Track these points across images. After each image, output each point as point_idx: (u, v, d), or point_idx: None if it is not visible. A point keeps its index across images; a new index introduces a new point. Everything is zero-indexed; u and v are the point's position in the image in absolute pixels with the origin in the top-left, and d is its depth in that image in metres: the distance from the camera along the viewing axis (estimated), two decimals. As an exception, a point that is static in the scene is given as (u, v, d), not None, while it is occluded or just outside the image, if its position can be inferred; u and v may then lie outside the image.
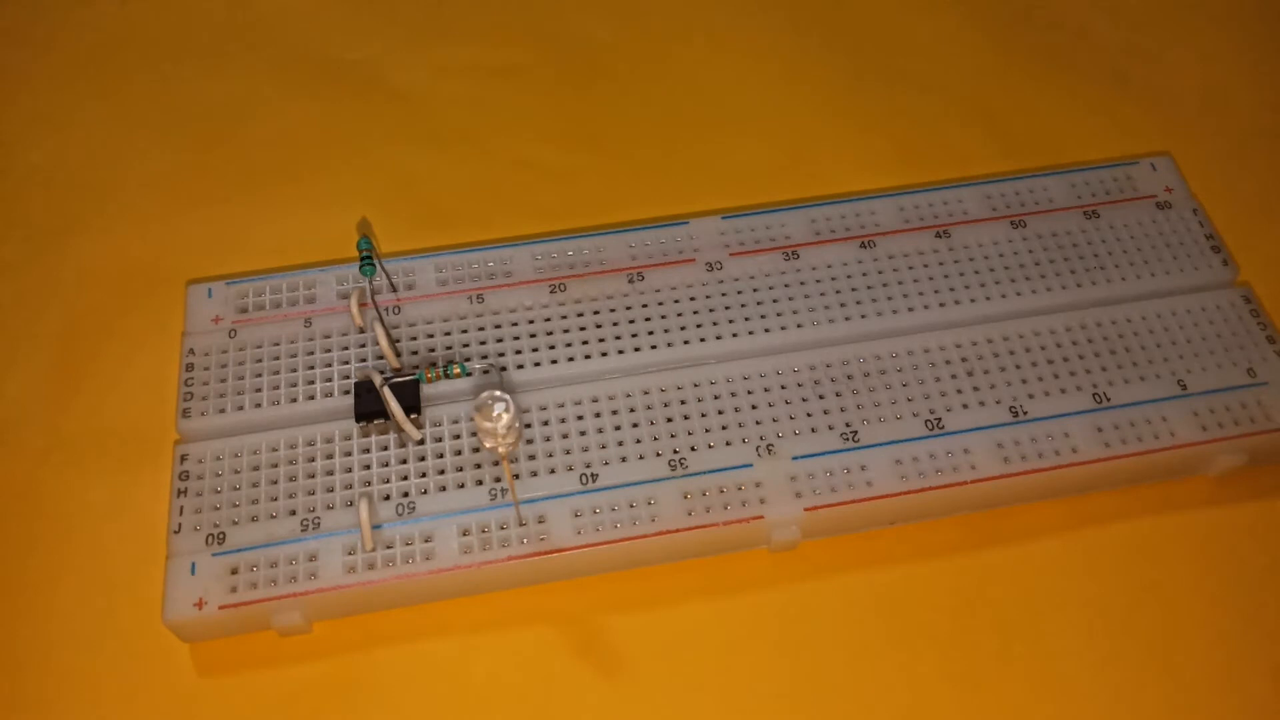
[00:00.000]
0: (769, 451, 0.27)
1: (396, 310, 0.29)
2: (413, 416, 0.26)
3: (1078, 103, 0.35)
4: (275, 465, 0.26)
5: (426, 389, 0.27)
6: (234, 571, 0.25)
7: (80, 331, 0.30)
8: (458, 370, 0.26)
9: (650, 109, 0.35)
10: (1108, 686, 0.25)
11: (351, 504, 0.26)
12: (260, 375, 0.28)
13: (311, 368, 0.28)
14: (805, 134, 0.34)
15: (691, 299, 0.29)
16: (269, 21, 0.37)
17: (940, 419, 0.27)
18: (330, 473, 0.26)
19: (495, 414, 0.22)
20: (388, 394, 0.26)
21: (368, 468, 0.26)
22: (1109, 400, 0.27)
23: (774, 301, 0.29)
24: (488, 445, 0.22)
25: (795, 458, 0.26)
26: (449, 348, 0.28)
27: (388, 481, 0.26)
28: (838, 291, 0.29)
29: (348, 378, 0.28)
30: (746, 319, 0.29)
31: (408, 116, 0.35)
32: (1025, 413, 0.27)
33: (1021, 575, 0.26)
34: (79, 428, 0.29)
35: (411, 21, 0.37)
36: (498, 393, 0.22)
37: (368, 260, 0.26)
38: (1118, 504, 0.27)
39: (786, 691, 0.25)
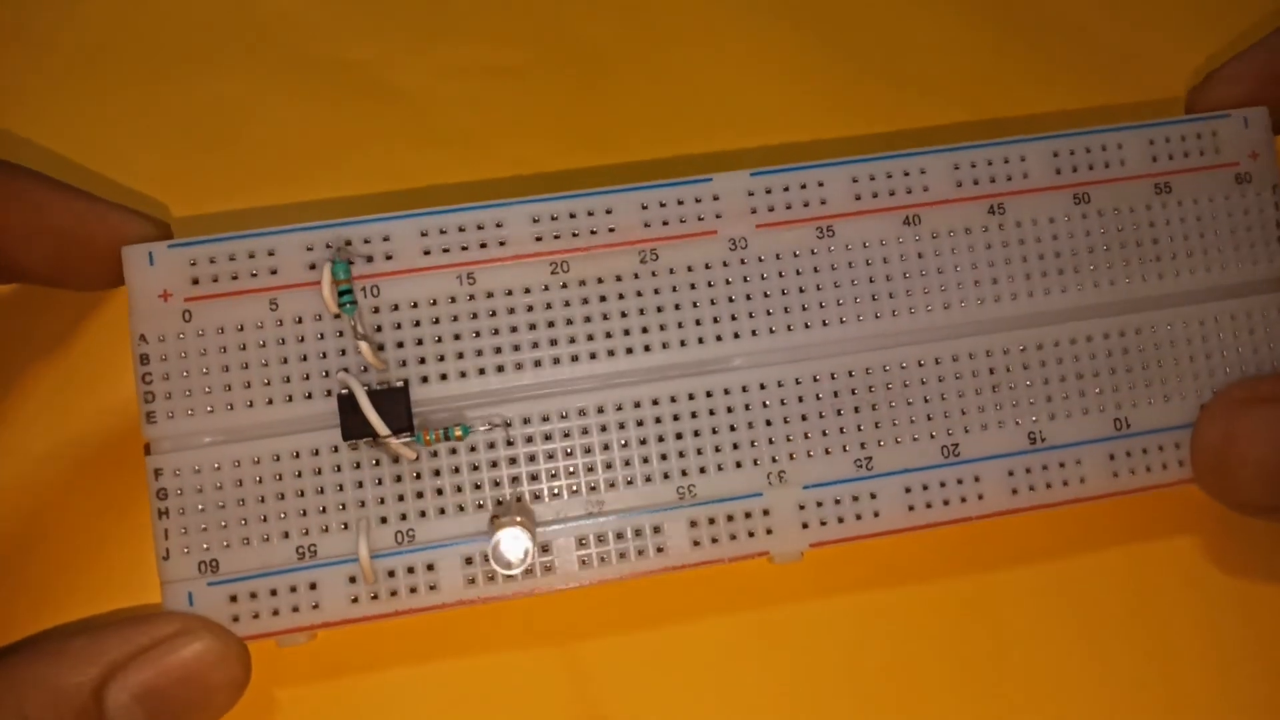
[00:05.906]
0: (779, 479, 0.26)
1: (375, 292, 0.25)
2: (404, 439, 0.25)
3: (1078, 103, 0.32)
4: (259, 481, 0.25)
5: (416, 394, 0.25)
6: (233, 599, 0.25)
7: (81, 331, 0.29)
8: (459, 433, 0.24)
9: (650, 109, 0.32)
10: (1111, 707, 0.27)
11: (347, 526, 0.25)
12: (228, 370, 0.25)
13: (285, 360, 0.25)
14: (805, 134, 0.31)
15: (701, 299, 0.26)
16: (269, 21, 0.33)
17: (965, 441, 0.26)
18: (320, 491, 0.25)
19: (514, 561, 0.20)
20: (374, 417, 0.24)
21: (360, 485, 0.25)
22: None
23: (785, 310, 0.26)
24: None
25: (807, 486, 0.26)
26: (438, 339, 0.25)
27: (382, 502, 0.25)
28: (871, 280, 0.26)
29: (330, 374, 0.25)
30: (759, 322, 0.26)
31: (408, 116, 0.31)
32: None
33: (1024, 594, 0.27)
34: (79, 428, 0.28)
35: (411, 21, 0.32)
36: (517, 531, 0.20)
37: (347, 295, 0.22)
38: (1118, 518, 0.28)
39: (786, 710, 0.26)
